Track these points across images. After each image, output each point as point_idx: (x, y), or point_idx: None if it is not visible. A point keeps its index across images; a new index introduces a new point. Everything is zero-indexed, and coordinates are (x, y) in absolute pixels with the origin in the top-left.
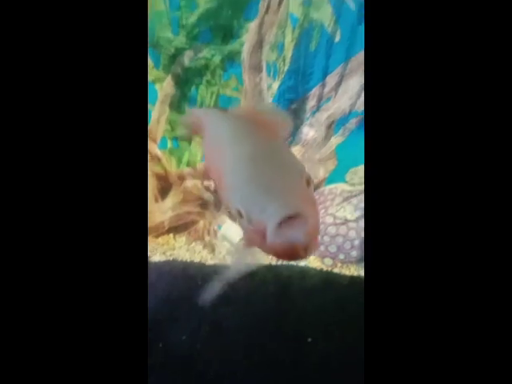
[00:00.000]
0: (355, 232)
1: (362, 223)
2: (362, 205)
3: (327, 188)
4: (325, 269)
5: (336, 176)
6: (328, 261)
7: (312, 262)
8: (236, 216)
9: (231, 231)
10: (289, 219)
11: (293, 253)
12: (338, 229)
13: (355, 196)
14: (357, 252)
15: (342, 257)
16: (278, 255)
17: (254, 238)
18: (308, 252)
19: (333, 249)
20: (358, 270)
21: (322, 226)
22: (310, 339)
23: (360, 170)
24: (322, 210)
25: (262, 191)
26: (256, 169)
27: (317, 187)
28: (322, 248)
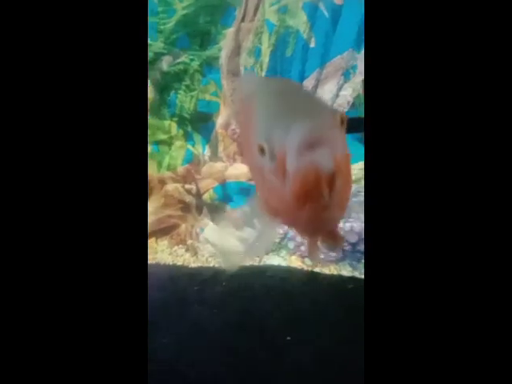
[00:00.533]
0: None
1: (340, 223)
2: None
3: None
4: (305, 268)
5: None
6: (308, 260)
7: (293, 261)
8: (259, 155)
9: (214, 234)
10: (313, 144)
11: (316, 184)
12: None
13: None
14: (336, 252)
15: (322, 256)
16: (299, 196)
17: (274, 183)
18: (332, 193)
19: None
20: (337, 270)
21: None
22: (288, 338)
23: None
24: None
25: (286, 116)
26: (283, 101)
27: None
28: (302, 248)
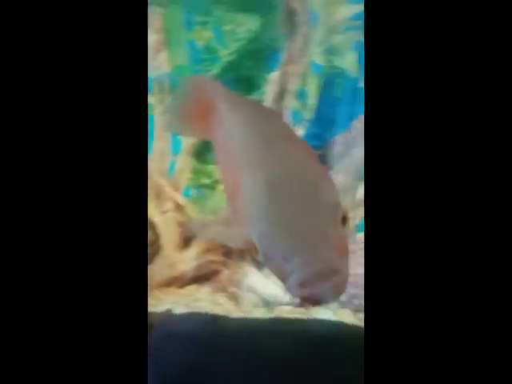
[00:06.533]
0: None
1: None
2: None
3: (358, 236)
4: (357, 323)
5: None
6: (362, 315)
7: (344, 316)
8: (246, 244)
9: (257, 282)
10: (315, 279)
11: (314, 304)
12: None
13: None
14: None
15: None
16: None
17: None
18: (333, 300)
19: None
20: None
21: (356, 277)
22: None
23: None
24: (356, 259)
25: (284, 234)
26: (283, 202)
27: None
28: (355, 301)
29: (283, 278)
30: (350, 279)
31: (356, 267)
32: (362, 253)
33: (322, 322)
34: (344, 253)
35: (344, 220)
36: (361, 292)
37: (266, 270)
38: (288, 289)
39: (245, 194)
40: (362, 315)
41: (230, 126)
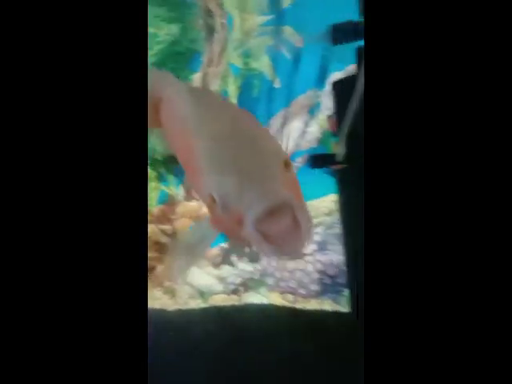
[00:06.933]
0: (312, 266)
1: (318, 256)
2: (317, 238)
3: None
4: (287, 305)
5: None
6: (289, 296)
7: (273, 298)
8: (208, 202)
9: (192, 274)
10: (272, 210)
11: (278, 248)
12: (296, 263)
13: None
14: (316, 285)
15: (302, 291)
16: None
17: (228, 225)
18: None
19: (293, 284)
20: (319, 304)
21: (281, 262)
22: None
23: (310, 205)
24: None
25: (237, 176)
26: (229, 150)
27: None
28: (282, 284)
29: (244, 226)
30: (279, 265)
31: None
32: None
33: (253, 306)
34: (295, 191)
35: (287, 164)
36: (288, 274)
37: (201, 262)
38: (248, 234)
39: (196, 155)
40: (290, 296)
41: (179, 104)
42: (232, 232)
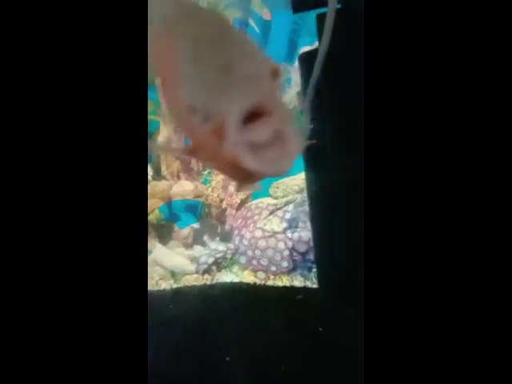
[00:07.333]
0: (283, 243)
1: (288, 234)
2: (287, 216)
3: (254, 203)
4: (258, 282)
5: (260, 191)
6: (261, 274)
7: (246, 276)
8: (187, 115)
9: (163, 255)
10: (255, 112)
11: (263, 160)
12: (267, 241)
13: (280, 208)
14: (287, 262)
15: (273, 268)
16: (241, 157)
17: (208, 143)
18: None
19: (264, 262)
20: (290, 281)
21: (252, 241)
22: (227, 358)
23: (281, 183)
24: (252, 225)
25: (219, 76)
26: (212, 50)
27: (244, 203)
28: (254, 262)
29: (225, 137)
30: (250, 243)
31: (253, 231)
32: (258, 217)
33: (226, 285)
34: (279, 102)
35: (274, 72)
36: (260, 252)
37: (171, 243)
38: (231, 145)
39: (175, 60)
40: (262, 274)
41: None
42: (212, 152)
